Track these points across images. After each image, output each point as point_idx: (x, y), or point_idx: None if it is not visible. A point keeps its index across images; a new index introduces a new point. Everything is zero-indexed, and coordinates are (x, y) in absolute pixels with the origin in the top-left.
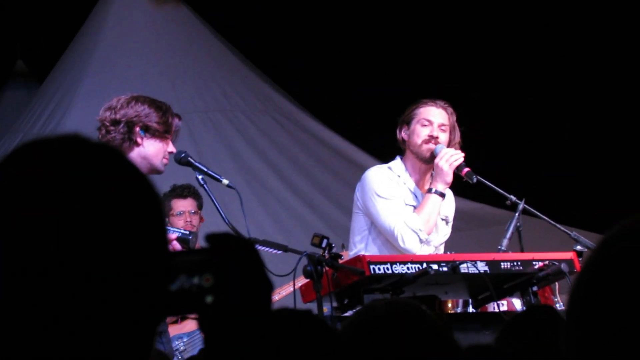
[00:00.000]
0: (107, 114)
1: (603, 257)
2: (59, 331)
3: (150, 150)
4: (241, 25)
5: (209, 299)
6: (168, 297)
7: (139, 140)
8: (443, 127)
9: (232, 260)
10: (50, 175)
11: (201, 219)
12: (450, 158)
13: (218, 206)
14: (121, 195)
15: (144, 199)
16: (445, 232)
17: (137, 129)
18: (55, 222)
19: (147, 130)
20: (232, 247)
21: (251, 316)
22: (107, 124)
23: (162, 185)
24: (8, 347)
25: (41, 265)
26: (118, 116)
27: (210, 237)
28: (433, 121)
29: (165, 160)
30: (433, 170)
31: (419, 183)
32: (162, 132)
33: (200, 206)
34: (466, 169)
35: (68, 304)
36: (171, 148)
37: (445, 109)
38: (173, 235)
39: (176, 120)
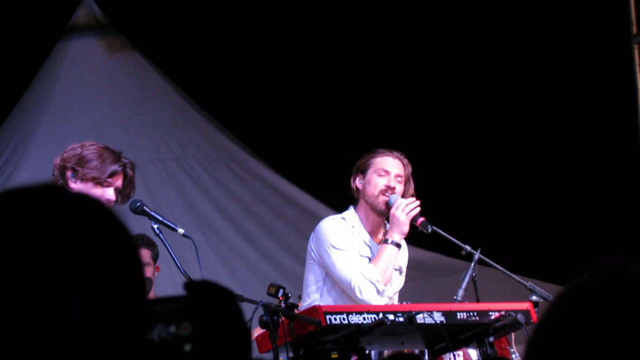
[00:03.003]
0: (56, 159)
1: (562, 309)
2: None
3: None
4: (196, 74)
5: (187, 347)
6: (146, 346)
7: (70, 183)
8: (399, 178)
9: (211, 308)
10: (25, 223)
11: (156, 269)
12: (406, 208)
13: (174, 256)
14: (98, 243)
15: (120, 247)
16: (399, 282)
17: (68, 172)
18: (31, 271)
19: (76, 174)
20: (210, 295)
21: None
22: (53, 168)
23: None
24: None
25: (20, 314)
26: (58, 160)
27: (188, 285)
28: (390, 171)
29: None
30: (387, 220)
31: (372, 234)
32: (91, 178)
33: (154, 256)
34: (421, 219)
35: (46, 354)
36: (108, 195)
37: (401, 160)
38: None
39: (115, 167)
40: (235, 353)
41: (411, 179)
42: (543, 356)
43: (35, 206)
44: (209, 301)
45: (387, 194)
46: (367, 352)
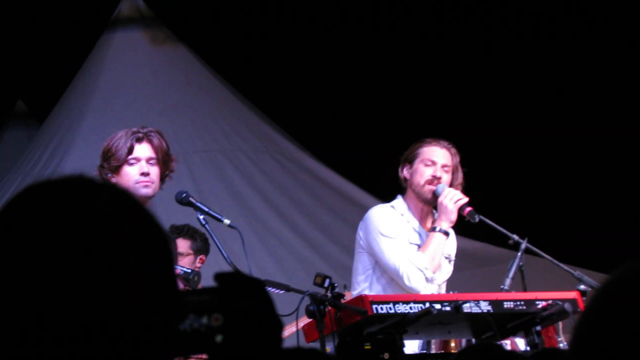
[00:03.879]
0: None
1: (609, 297)
2: None
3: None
4: (241, 65)
5: (218, 338)
6: (177, 337)
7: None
8: (446, 168)
9: (242, 299)
10: (57, 216)
11: (200, 260)
12: (454, 197)
13: (220, 246)
14: (129, 234)
15: (151, 237)
16: (447, 270)
17: (100, 171)
18: (64, 263)
19: (106, 170)
20: (242, 286)
21: (261, 355)
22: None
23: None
24: None
25: (53, 305)
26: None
27: (219, 276)
28: (436, 161)
29: (138, 186)
30: (435, 209)
31: (421, 222)
32: (117, 166)
33: (195, 247)
34: (468, 209)
35: (78, 343)
36: (141, 169)
37: (448, 149)
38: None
39: (129, 143)
40: (266, 344)
41: (459, 168)
42: (591, 344)
43: (62, 198)
44: (240, 292)
45: (433, 184)
46: (398, 344)
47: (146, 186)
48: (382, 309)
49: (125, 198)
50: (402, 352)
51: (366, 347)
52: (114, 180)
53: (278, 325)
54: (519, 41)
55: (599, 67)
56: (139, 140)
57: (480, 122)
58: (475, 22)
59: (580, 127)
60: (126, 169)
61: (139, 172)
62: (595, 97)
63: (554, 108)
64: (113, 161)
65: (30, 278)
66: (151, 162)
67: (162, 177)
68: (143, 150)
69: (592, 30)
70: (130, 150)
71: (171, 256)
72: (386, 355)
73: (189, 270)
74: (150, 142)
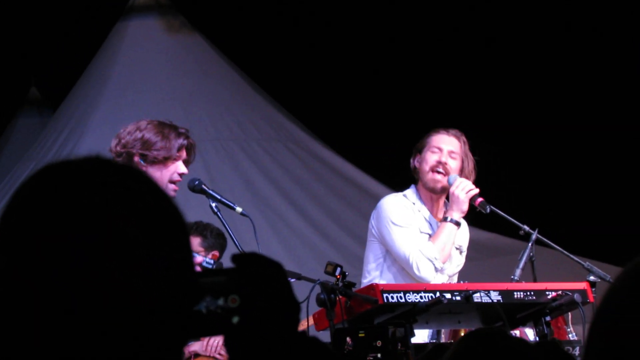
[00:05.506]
0: (114, 144)
1: (629, 288)
2: (87, 352)
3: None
4: (255, 54)
5: (235, 319)
6: (194, 318)
7: (142, 169)
8: (453, 155)
9: (259, 281)
10: (75, 194)
11: (213, 256)
12: (466, 187)
13: (232, 234)
14: (147, 214)
15: (169, 218)
16: (458, 262)
17: (136, 158)
18: (81, 242)
19: (146, 159)
20: (259, 267)
21: (278, 337)
22: (114, 155)
23: None
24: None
25: (72, 282)
26: (119, 147)
27: (237, 258)
28: (443, 148)
29: (172, 186)
30: (446, 199)
31: (432, 211)
32: (162, 159)
33: (205, 245)
34: (480, 199)
35: (95, 323)
36: (181, 169)
37: (457, 137)
38: (198, 258)
39: (180, 141)
40: (282, 326)
41: (469, 155)
42: (609, 336)
43: (82, 178)
44: (257, 273)
45: (437, 171)
46: (390, 333)
47: (175, 190)
48: (392, 298)
49: (144, 180)
50: (395, 340)
51: (360, 335)
52: (148, 168)
53: (295, 306)
54: (529, 36)
55: (607, 60)
56: (187, 139)
57: (493, 115)
58: (481, 17)
59: (592, 119)
60: (168, 165)
61: (179, 170)
62: (605, 90)
63: (566, 101)
64: (161, 152)
65: (49, 257)
66: (185, 160)
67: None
68: (184, 151)
69: (597, 25)
70: (180, 149)
71: (188, 237)
72: (378, 343)
73: (211, 261)
74: (192, 149)
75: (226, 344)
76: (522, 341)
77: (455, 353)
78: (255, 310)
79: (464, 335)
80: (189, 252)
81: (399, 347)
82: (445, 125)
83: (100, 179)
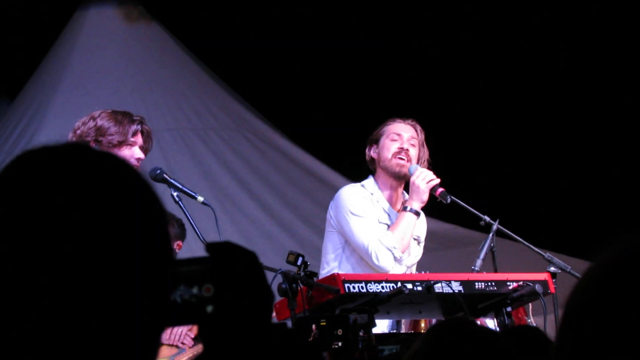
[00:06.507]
0: (70, 136)
1: (605, 282)
2: (62, 339)
3: None
4: (214, 43)
5: (209, 309)
6: (169, 308)
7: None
8: (413, 141)
9: (233, 270)
10: (55, 180)
11: (177, 246)
12: (427, 177)
13: (193, 224)
14: (127, 200)
15: (148, 204)
16: (416, 252)
17: (92, 144)
18: (62, 227)
19: (101, 145)
20: (232, 256)
21: (252, 326)
22: None
23: None
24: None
25: (50, 268)
26: (74, 137)
27: (211, 247)
28: (402, 134)
29: None
30: (404, 188)
31: (391, 201)
32: (117, 143)
33: (173, 234)
34: (440, 189)
35: (71, 310)
36: (137, 154)
37: (413, 126)
38: None
39: (134, 126)
40: (257, 315)
41: (425, 144)
42: (582, 337)
43: (63, 164)
44: (231, 262)
45: (401, 156)
46: (351, 321)
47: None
48: (354, 288)
49: (127, 167)
50: (357, 329)
51: (321, 324)
52: None
53: (269, 296)
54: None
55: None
56: (141, 125)
57: (453, 104)
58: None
59: (553, 107)
60: (123, 149)
61: (135, 155)
62: (567, 74)
63: (527, 86)
64: (115, 136)
65: (37, 245)
66: (141, 147)
67: None
68: (139, 136)
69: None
70: (134, 134)
71: (167, 225)
72: (339, 332)
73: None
74: (143, 131)
75: (200, 333)
76: (490, 330)
77: (424, 343)
78: (229, 300)
79: (432, 325)
80: (167, 240)
81: (361, 335)
82: (403, 113)
83: (79, 166)
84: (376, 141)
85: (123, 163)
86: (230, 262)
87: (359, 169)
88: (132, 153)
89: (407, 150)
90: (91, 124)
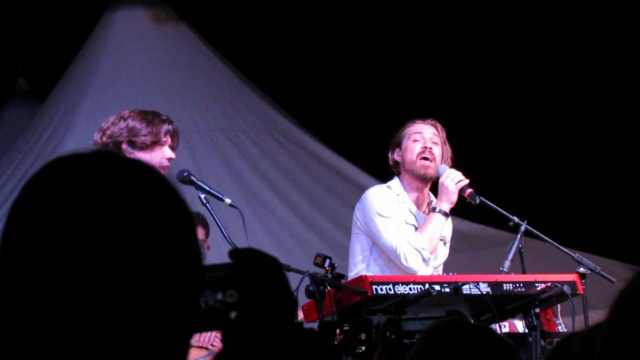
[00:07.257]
0: (98, 137)
1: None
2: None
3: None
4: (243, 44)
5: (232, 314)
6: (194, 314)
7: (129, 156)
8: (435, 140)
9: (257, 276)
10: (85, 189)
11: (207, 248)
12: (455, 177)
13: (221, 225)
14: (159, 208)
15: (179, 212)
16: (443, 253)
17: (124, 146)
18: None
19: (134, 145)
20: (257, 263)
21: (275, 331)
22: (100, 147)
23: None
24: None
25: (84, 278)
26: (105, 138)
27: (234, 253)
28: (424, 134)
29: (161, 171)
30: (430, 190)
31: (417, 203)
32: (150, 143)
33: (207, 234)
34: (469, 190)
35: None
36: (169, 154)
37: (434, 125)
38: None
39: (165, 126)
40: (279, 321)
41: (447, 142)
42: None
43: (93, 173)
44: (255, 268)
45: (425, 156)
46: (374, 323)
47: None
48: (381, 289)
49: (156, 175)
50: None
51: (345, 328)
52: (136, 154)
53: (292, 303)
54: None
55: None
56: (171, 124)
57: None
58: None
59: (583, 111)
60: (156, 150)
61: (167, 154)
62: (596, 82)
63: (557, 91)
64: (149, 137)
65: (63, 252)
66: (170, 146)
67: None
68: (172, 135)
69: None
70: (166, 134)
71: (196, 232)
72: (363, 336)
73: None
74: (177, 135)
75: (224, 338)
76: (487, 329)
77: (423, 345)
78: (253, 305)
79: (429, 327)
80: (198, 247)
81: (388, 335)
82: (431, 114)
83: (112, 173)
84: (398, 144)
85: (151, 170)
86: (254, 268)
87: (388, 170)
88: (164, 153)
89: (431, 148)
90: (122, 124)
